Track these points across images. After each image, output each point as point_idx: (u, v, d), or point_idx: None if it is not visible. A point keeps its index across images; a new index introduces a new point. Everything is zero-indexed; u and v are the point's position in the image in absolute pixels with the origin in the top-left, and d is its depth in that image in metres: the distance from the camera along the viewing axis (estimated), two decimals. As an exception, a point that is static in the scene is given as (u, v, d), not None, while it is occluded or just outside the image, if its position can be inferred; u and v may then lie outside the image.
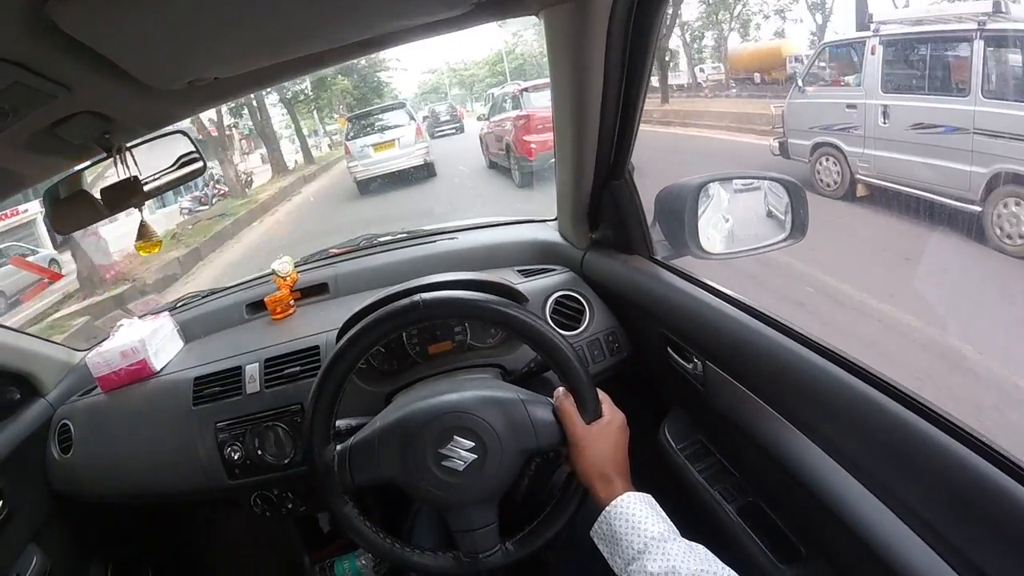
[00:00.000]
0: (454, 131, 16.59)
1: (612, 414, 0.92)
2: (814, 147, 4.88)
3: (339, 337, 1.17)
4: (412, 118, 10.77)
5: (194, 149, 1.03)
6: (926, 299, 2.98)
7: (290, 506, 1.37)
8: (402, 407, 0.95)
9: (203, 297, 1.76)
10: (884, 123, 4.23)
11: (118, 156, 0.95)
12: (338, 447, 0.94)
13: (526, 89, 8.46)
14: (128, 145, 0.98)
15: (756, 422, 0.90)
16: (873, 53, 4.30)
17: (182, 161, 1.10)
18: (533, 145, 7.66)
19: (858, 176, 4.52)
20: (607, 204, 1.28)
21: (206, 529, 1.86)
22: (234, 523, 1.78)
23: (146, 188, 1.05)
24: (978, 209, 3.41)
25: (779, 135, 5.38)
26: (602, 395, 0.92)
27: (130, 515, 1.54)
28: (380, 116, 10.93)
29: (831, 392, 0.77)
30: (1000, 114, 3.34)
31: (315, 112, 22.32)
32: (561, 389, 0.93)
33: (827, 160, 4.75)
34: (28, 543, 1.35)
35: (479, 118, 11.81)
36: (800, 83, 5.37)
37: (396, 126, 10.40)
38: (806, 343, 0.84)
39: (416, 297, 0.92)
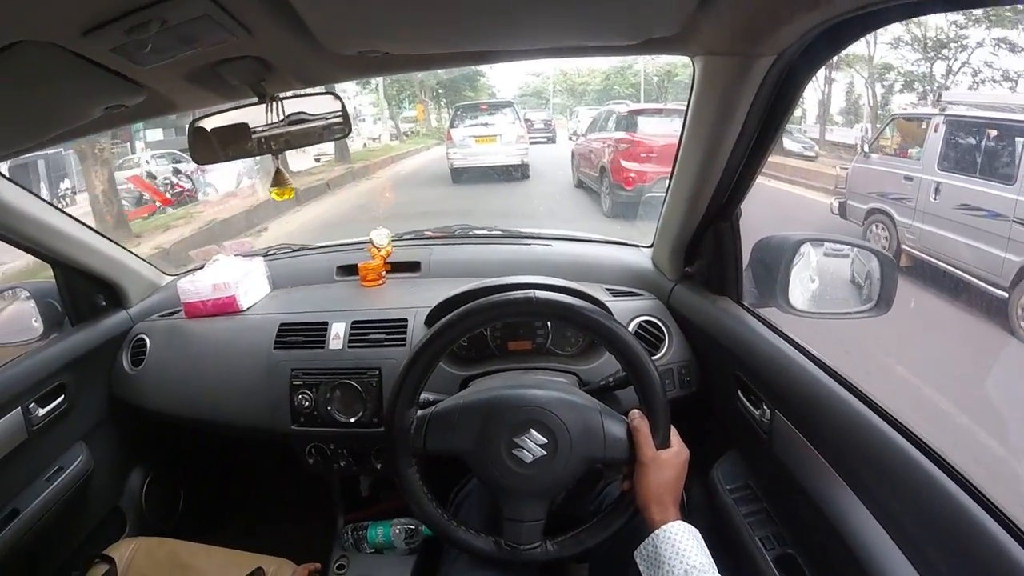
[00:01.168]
0: (546, 140, 16.47)
1: (680, 448, 0.97)
2: (868, 212, 5.21)
3: (434, 316, 1.26)
4: (518, 117, 10.81)
5: (340, 110, 1.06)
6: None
7: (342, 464, 1.43)
8: (488, 391, 1.01)
9: (295, 250, 1.85)
10: (935, 199, 4.42)
11: (271, 103, 0.98)
12: (419, 413, 0.99)
13: (637, 112, 7.80)
14: (280, 95, 1.00)
15: (813, 477, 0.91)
16: (936, 130, 4.48)
17: (293, 118, 1.08)
18: (632, 174, 6.88)
19: (904, 247, 4.74)
20: (708, 243, 1.30)
21: (247, 469, 1.92)
22: (276, 471, 1.83)
23: (255, 136, 1.07)
24: (1006, 295, 3.67)
25: (841, 195, 5.78)
26: (672, 429, 0.97)
27: (179, 436, 1.65)
28: (487, 110, 10.99)
29: (895, 463, 0.77)
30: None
31: (379, 93, 19.85)
32: (637, 412, 0.97)
33: (878, 227, 5.05)
34: (78, 440, 1.45)
35: (571, 135, 10.91)
36: (866, 149, 5.75)
37: (500, 122, 10.45)
38: (878, 411, 0.85)
39: (530, 293, 0.97)
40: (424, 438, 0.97)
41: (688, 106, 1.08)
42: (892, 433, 0.80)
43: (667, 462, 0.94)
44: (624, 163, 7.02)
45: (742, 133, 1.03)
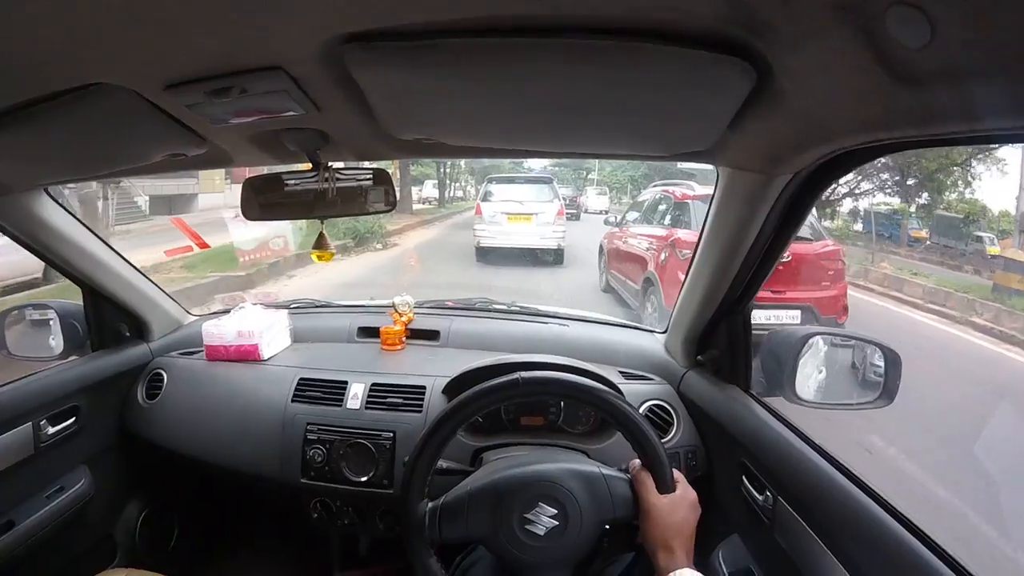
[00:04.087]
0: (570, 217, 16.04)
1: (685, 491, 1.02)
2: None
3: (453, 387, 1.38)
4: (556, 196, 10.03)
5: (387, 185, 1.14)
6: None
7: (346, 521, 1.52)
8: (495, 472, 1.08)
9: (318, 306, 1.99)
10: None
11: (323, 171, 1.05)
12: (430, 504, 1.06)
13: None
14: (332, 165, 1.08)
15: (813, 563, 0.96)
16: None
17: (343, 188, 1.16)
18: None
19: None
20: (720, 333, 1.40)
21: (246, 515, 1.92)
22: (275, 520, 1.84)
23: (305, 200, 1.16)
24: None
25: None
26: (678, 475, 1.04)
27: (181, 473, 1.73)
28: (522, 185, 10.16)
29: (890, 550, 0.83)
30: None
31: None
32: (636, 461, 1.05)
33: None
34: (82, 464, 1.53)
35: (606, 221, 8.75)
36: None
37: (537, 200, 9.69)
38: (877, 499, 0.92)
39: (515, 375, 1.05)
40: (439, 530, 1.02)
41: (710, 207, 1.22)
42: (889, 520, 0.87)
43: (670, 505, 0.98)
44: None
45: (758, 238, 1.14)
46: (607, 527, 1.03)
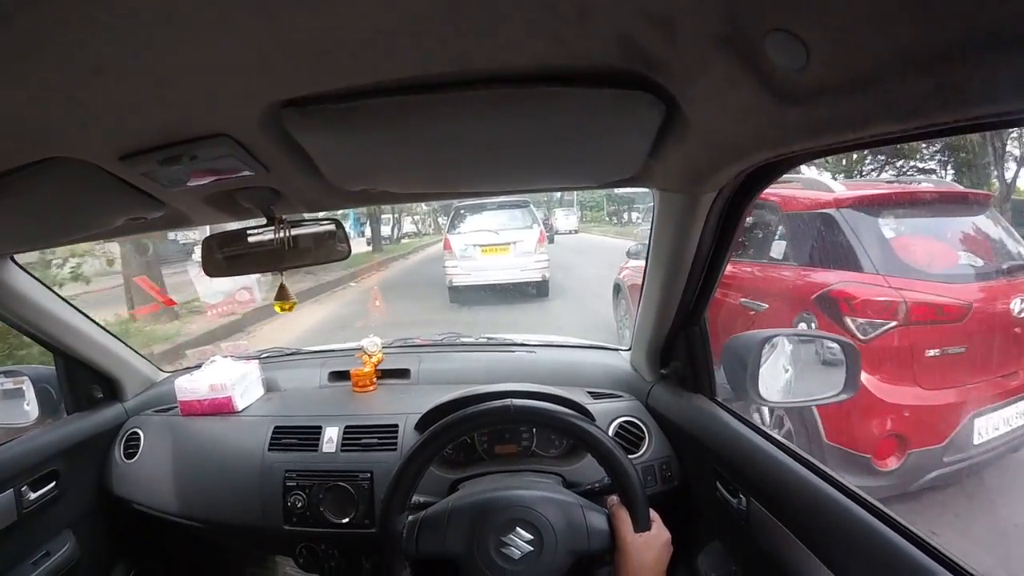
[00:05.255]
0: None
1: (660, 531, 1.08)
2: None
3: (424, 422, 1.42)
4: (536, 221, 8.88)
5: (340, 234, 1.19)
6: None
7: (332, 564, 1.54)
8: (476, 494, 1.13)
9: (288, 354, 2.03)
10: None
11: (278, 225, 1.08)
12: (410, 517, 1.11)
13: (875, 200, 3.24)
14: (287, 218, 1.11)
15: (791, 559, 1.00)
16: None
17: (298, 240, 1.20)
18: (892, 435, 2.83)
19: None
20: (680, 346, 1.45)
21: (235, 569, 1.89)
22: (265, 572, 1.81)
23: (263, 254, 1.21)
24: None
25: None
26: (653, 514, 1.09)
27: (167, 531, 1.73)
28: (496, 211, 8.81)
29: (867, 542, 0.87)
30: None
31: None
32: (615, 497, 1.10)
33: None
34: (66, 528, 1.54)
35: (629, 252, 5.72)
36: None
37: (514, 227, 8.60)
38: (843, 490, 0.96)
39: (507, 401, 1.11)
40: (416, 542, 1.07)
41: (652, 228, 1.29)
42: (860, 511, 0.91)
43: (645, 544, 1.04)
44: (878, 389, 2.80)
45: (698, 252, 1.21)
46: (580, 558, 1.07)
